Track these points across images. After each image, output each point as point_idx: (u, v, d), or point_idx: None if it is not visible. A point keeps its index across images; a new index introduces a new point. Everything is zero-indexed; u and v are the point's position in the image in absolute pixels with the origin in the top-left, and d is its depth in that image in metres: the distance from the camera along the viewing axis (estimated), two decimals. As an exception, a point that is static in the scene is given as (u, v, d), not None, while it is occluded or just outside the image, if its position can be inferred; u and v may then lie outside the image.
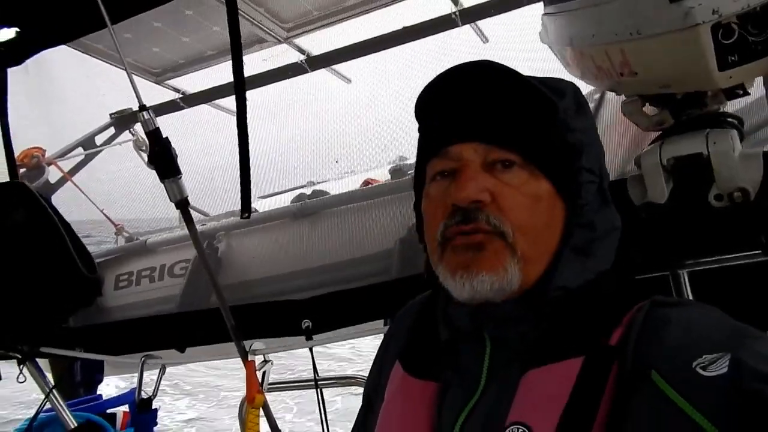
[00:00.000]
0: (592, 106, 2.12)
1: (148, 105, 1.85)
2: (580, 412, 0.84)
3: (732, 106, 1.62)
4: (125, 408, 2.72)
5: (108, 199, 3.77)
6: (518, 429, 0.87)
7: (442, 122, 1.04)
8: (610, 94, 2.08)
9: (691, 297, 1.51)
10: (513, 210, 0.96)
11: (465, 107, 1.02)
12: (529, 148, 0.98)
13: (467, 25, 3.15)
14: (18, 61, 2.47)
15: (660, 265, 1.52)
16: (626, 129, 1.86)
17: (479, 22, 3.16)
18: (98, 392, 3.13)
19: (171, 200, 1.89)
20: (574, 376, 0.87)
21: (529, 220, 0.97)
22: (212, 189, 3.27)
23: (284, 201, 3.71)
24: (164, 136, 1.84)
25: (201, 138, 3.75)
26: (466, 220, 0.96)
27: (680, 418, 0.76)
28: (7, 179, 2.51)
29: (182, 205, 1.89)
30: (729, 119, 1.49)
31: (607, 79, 1.59)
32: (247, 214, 2.10)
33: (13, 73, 2.53)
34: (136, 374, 2.33)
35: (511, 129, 0.99)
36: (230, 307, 2.00)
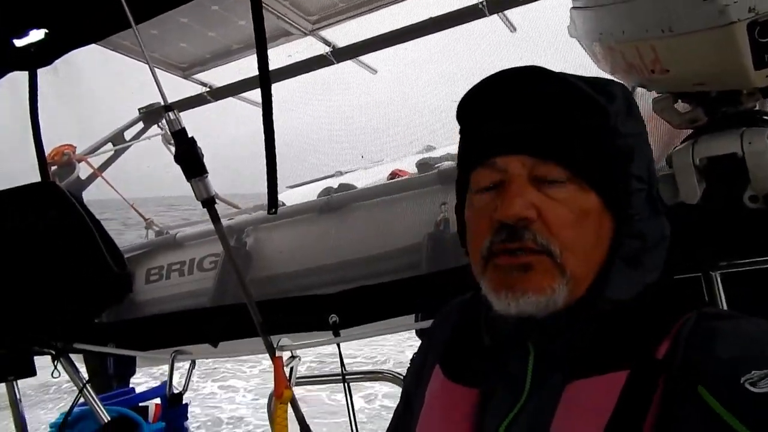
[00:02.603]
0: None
1: (176, 99, 1.85)
2: (625, 426, 0.83)
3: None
4: (157, 401, 2.76)
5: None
6: None
7: (489, 131, 1.00)
8: (640, 89, 2.04)
9: (723, 299, 1.48)
10: (561, 228, 0.92)
11: (513, 117, 0.98)
12: (578, 162, 0.94)
13: (495, 15, 3.09)
14: (47, 61, 2.50)
15: (692, 267, 1.49)
16: (657, 125, 1.82)
17: (507, 12, 3.10)
18: (131, 385, 3.20)
19: (197, 199, 1.89)
20: (619, 389, 0.85)
21: (578, 237, 0.93)
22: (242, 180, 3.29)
23: (312, 190, 3.73)
24: (190, 135, 1.85)
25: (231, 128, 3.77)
26: (511, 237, 0.93)
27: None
28: (38, 178, 2.53)
29: (209, 203, 1.90)
30: (765, 117, 1.45)
31: (638, 76, 1.55)
32: (273, 210, 2.10)
33: (42, 73, 2.56)
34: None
35: (560, 142, 0.94)
36: (257, 303, 2.00)
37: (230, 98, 3.69)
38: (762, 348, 0.81)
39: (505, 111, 0.98)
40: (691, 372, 0.82)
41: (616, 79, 1.06)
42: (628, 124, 0.99)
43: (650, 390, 0.84)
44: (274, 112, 1.98)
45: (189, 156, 1.84)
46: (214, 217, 1.93)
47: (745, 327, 0.86)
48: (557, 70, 1.02)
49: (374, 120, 3.88)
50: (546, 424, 0.90)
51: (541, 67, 0.96)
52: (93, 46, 2.80)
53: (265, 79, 1.97)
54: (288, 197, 3.60)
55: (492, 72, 1.03)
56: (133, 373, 3.23)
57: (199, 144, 1.86)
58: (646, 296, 0.96)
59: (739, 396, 0.75)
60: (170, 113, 1.83)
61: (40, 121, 2.51)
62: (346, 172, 4.43)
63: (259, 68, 1.97)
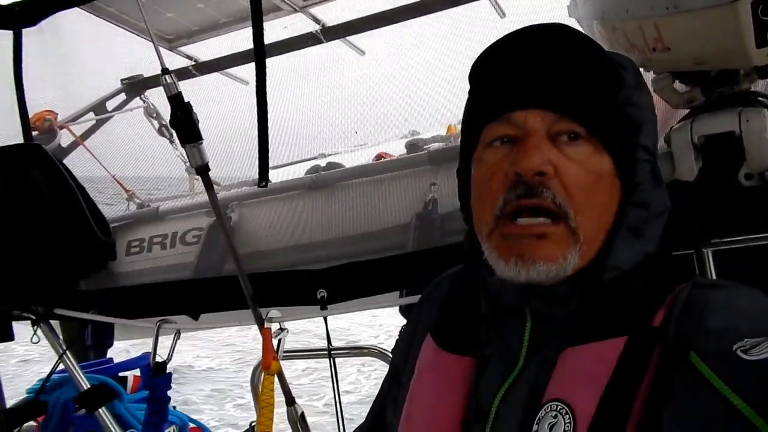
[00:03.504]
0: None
1: (158, 71, 1.83)
2: (623, 392, 0.84)
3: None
4: (136, 372, 2.74)
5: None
6: (557, 405, 0.87)
7: (506, 86, 0.98)
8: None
9: (714, 276, 1.51)
10: (576, 188, 0.92)
11: (533, 71, 0.95)
12: (595, 120, 0.94)
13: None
14: (33, 21, 2.45)
15: (685, 243, 1.52)
16: (655, 103, 1.84)
17: (498, -4, 3.12)
18: (108, 356, 3.16)
19: (192, 166, 1.89)
20: (616, 356, 0.86)
21: (591, 199, 0.93)
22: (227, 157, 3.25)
23: (294, 172, 3.69)
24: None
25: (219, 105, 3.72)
26: (528, 194, 0.91)
27: (718, 399, 0.75)
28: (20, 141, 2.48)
29: (203, 171, 1.89)
30: (760, 98, 1.48)
31: (639, 55, 1.57)
32: (264, 183, 2.10)
33: (27, 34, 2.51)
34: (146, 339, 2.33)
35: (580, 99, 0.94)
36: (247, 275, 2.00)
37: (223, 78, 3.66)
38: (754, 316, 0.82)
39: (525, 65, 0.96)
40: (684, 340, 0.83)
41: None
42: (638, 95, 1.01)
43: (647, 357, 0.85)
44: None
45: (185, 121, 1.82)
46: (208, 185, 1.92)
47: (738, 296, 0.88)
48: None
49: (359, 103, 3.85)
50: (543, 392, 0.90)
51: (564, 25, 0.97)
52: (78, 11, 2.75)
53: (259, 47, 1.95)
54: (270, 177, 3.55)
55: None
56: (110, 344, 3.19)
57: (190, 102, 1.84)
58: (645, 266, 0.97)
59: (730, 363, 0.77)
60: (167, 77, 1.81)
61: (24, 82, 2.46)
62: (329, 155, 4.39)
63: (254, 36, 1.96)
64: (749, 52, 1.30)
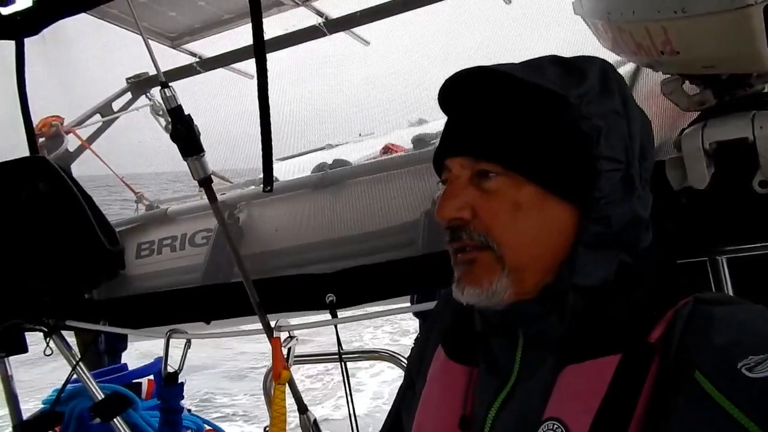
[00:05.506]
0: (626, 75, 2.05)
1: (163, 69, 1.81)
2: (617, 409, 0.84)
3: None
4: (150, 377, 2.75)
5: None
6: (554, 424, 0.88)
7: (442, 135, 1.08)
8: (645, 69, 2.00)
9: (729, 284, 1.48)
10: (494, 222, 0.97)
11: (455, 121, 1.06)
12: (508, 156, 0.97)
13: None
14: (35, 30, 2.42)
15: (698, 251, 1.48)
16: (662, 103, 1.79)
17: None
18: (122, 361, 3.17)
19: (194, 178, 1.86)
20: (611, 373, 0.86)
21: (512, 229, 0.97)
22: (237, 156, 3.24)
23: (303, 163, 3.68)
24: (186, 113, 1.80)
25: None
26: (452, 238, 1.01)
27: (723, 417, 0.75)
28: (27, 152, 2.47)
29: (205, 182, 1.87)
30: (774, 100, 1.43)
31: (646, 57, 1.52)
32: (269, 188, 2.07)
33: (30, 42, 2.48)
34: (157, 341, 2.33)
35: (492, 140, 0.99)
36: (254, 281, 1.98)
37: (232, 74, 3.64)
38: (759, 333, 0.81)
39: (451, 114, 1.07)
40: (686, 357, 0.83)
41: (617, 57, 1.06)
42: (598, 104, 0.98)
43: (643, 373, 0.85)
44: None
45: (185, 134, 1.80)
46: (211, 197, 1.91)
47: (741, 312, 0.87)
48: (549, 51, 1.07)
49: (366, 92, 3.83)
50: (538, 409, 0.91)
51: (488, 67, 1.00)
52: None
53: (260, 48, 1.91)
54: (278, 170, 3.54)
55: (487, 51, 1.07)
56: (124, 348, 3.20)
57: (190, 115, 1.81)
58: (624, 276, 0.97)
59: (735, 381, 0.76)
60: (166, 90, 1.78)
61: (27, 92, 2.44)
62: (337, 145, 4.38)
63: (254, 37, 1.91)
64: (762, 57, 1.25)
